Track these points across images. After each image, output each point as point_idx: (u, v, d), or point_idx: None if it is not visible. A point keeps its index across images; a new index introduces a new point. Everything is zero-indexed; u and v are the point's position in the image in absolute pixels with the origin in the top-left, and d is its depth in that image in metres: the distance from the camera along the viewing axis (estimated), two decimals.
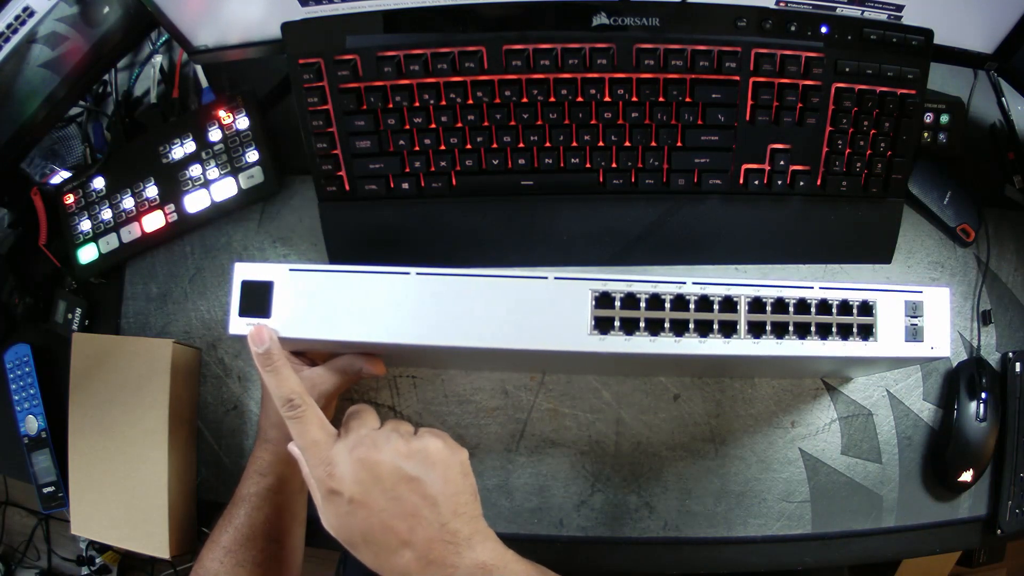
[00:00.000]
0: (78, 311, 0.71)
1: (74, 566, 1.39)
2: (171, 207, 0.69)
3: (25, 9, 0.60)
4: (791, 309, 0.46)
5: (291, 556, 0.62)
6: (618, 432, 0.66)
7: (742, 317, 0.46)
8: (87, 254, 0.70)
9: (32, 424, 0.70)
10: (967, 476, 0.63)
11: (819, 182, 0.63)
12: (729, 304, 0.46)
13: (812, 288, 0.46)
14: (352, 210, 0.66)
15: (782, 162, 0.63)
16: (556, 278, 0.46)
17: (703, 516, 0.65)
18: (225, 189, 0.69)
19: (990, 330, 0.67)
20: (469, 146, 0.63)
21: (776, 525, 0.65)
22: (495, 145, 0.63)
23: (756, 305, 0.46)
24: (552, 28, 0.59)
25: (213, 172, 0.69)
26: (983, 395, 0.63)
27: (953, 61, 0.61)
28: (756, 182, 0.63)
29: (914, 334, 0.46)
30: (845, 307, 0.46)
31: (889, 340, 0.46)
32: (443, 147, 0.63)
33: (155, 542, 0.64)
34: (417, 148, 0.63)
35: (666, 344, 0.46)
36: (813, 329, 0.46)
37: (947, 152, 0.68)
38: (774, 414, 0.66)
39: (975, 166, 0.70)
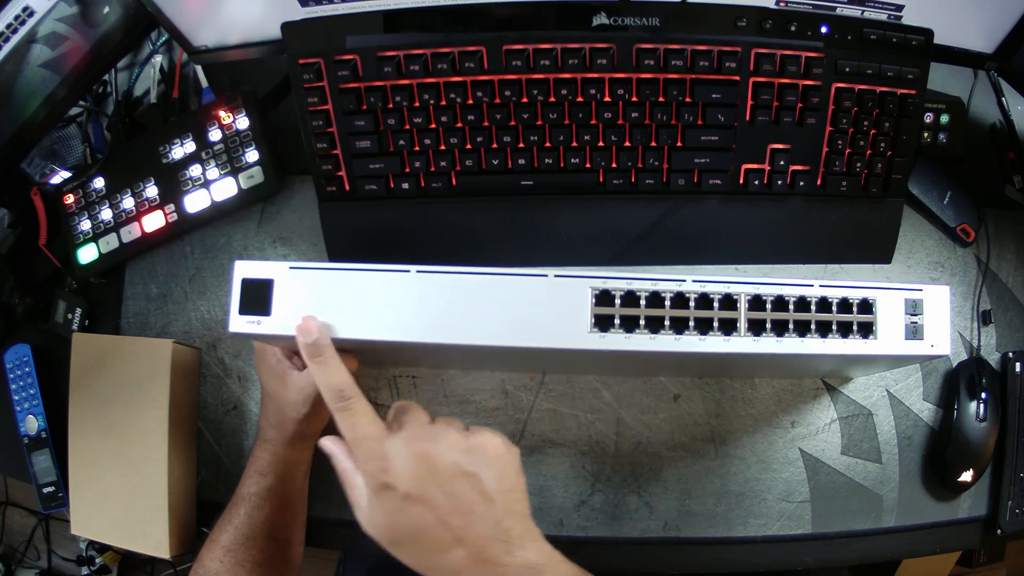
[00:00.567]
0: (78, 311, 0.71)
1: (74, 566, 1.39)
2: (171, 207, 0.69)
3: (25, 9, 0.60)
4: (791, 307, 0.46)
5: (291, 556, 0.62)
6: (618, 432, 0.66)
7: (742, 315, 0.46)
8: (87, 254, 0.70)
9: (32, 424, 0.70)
10: (967, 476, 0.63)
11: (819, 182, 0.64)
12: (729, 302, 0.46)
13: (812, 286, 0.46)
14: (352, 210, 0.66)
15: (782, 162, 0.63)
16: (556, 276, 0.46)
17: (703, 516, 0.65)
18: (225, 189, 0.69)
19: (990, 330, 0.67)
20: (469, 146, 0.63)
21: (776, 525, 0.65)
22: (495, 145, 0.63)
23: (756, 303, 0.46)
24: (552, 28, 0.59)
25: (213, 172, 0.69)
26: (983, 395, 0.63)
27: (953, 61, 0.61)
28: (756, 182, 0.63)
29: (914, 332, 0.46)
30: (845, 305, 0.46)
31: (889, 338, 0.46)
32: (443, 147, 0.63)
33: (155, 542, 0.64)
34: (417, 148, 0.63)
35: (666, 342, 0.45)
36: (813, 327, 0.46)
37: (947, 152, 0.68)
38: (774, 414, 0.66)
39: (975, 166, 0.70)
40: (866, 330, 0.46)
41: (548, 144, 0.62)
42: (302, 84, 0.62)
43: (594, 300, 0.45)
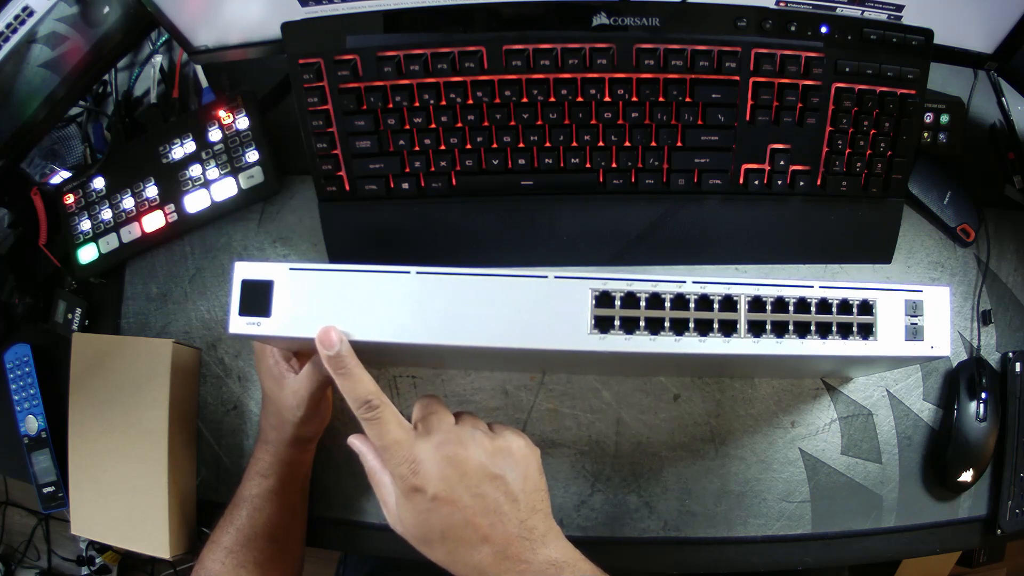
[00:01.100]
0: (78, 311, 0.71)
1: (74, 566, 1.39)
2: (171, 207, 0.69)
3: (25, 9, 0.60)
4: (791, 308, 0.46)
5: (292, 556, 0.62)
6: (618, 432, 0.66)
7: (742, 316, 0.46)
8: (87, 254, 0.70)
9: (32, 424, 0.70)
10: (967, 476, 0.63)
11: (819, 182, 0.64)
12: (729, 303, 0.46)
13: (812, 287, 0.46)
14: (352, 210, 0.66)
15: (782, 162, 0.63)
16: (556, 277, 0.46)
17: (703, 516, 0.65)
18: (225, 189, 0.69)
19: (990, 330, 0.67)
20: (469, 146, 0.63)
21: (776, 525, 0.65)
22: (495, 145, 0.63)
23: (756, 304, 0.46)
24: (552, 28, 0.59)
25: (213, 172, 0.69)
26: (983, 395, 0.63)
27: (953, 61, 0.61)
28: (756, 182, 0.63)
29: (914, 333, 0.46)
30: (845, 306, 0.46)
31: (889, 339, 0.46)
32: (443, 147, 0.63)
33: (155, 542, 0.64)
34: (417, 148, 0.63)
35: (666, 343, 0.46)
36: (813, 328, 0.46)
37: (947, 152, 0.68)
38: (774, 414, 0.66)
39: (975, 166, 0.70)
40: (866, 331, 0.46)
41: (548, 144, 0.62)
42: (302, 84, 0.62)
43: (594, 301, 0.45)
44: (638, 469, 0.65)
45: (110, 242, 0.70)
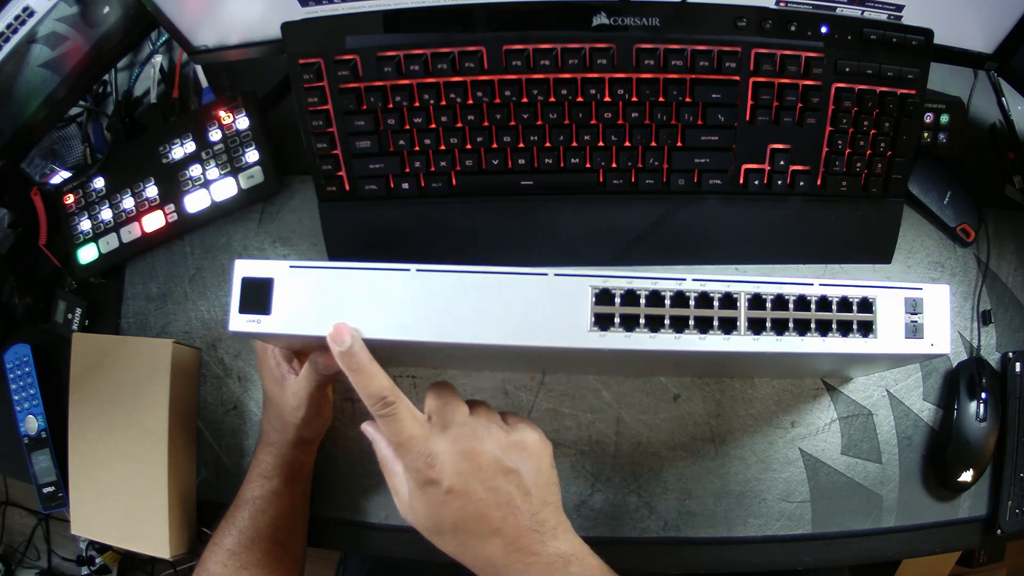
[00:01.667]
0: (78, 311, 0.71)
1: (74, 566, 1.39)
2: (171, 207, 0.69)
3: (25, 9, 0.60)
4: (791, 306, 0.46)
5: (294, 557, 0.62)
6: (618, 432, 0.66)
7: (742, 314, 0.46)
8: (87, 254, 0.70)
9: (32, 424, 0.70)
10: (967, 476, 0.63)
11: (819, 182, 0.64)
12: (729, 301, 0.46)
13: (812, 285, 0.46)
14: (352, 210, 0.66)
15: (782, 162, 0.63)
16: (556, 275, 0.46)
17: (703, 516, 0.65)
18: (225, 189, 0.69)
19: (990, 330, 0.67)
20: (469, 146, 0.63)
21: (776, 525, 0.65)
22: (495, 145, 0.63)
23: (756, 302, 0.46)
24: (552, 28, 0.59)
25: (213, 172, 0.69)
26: (983, 395, 0.63)
27: (953, 61, 0.61)
28: (756, 182, 0.63)
29: (914, 331, 0.46)
30: (845, 304, 0.46)
31: (889, 337, 0.46)
32: (443, 147, 0.63)
33: (155, 542, 0.64)
34: (417, 148, 0.63)
35: (666, 340, 0.46)
36: (813, 326, 0.46)
37: (947, 152, 0.68)
38: (774, 414, 0.66)
39: (975, 166, 0.70)
40: (866, 329, 0.46)
41: (548, 144, 0.62)
42: (302, 84, 0.62)
43: (594, 299, 0.45)
44: (638, 469, 0.65)
45: (110, 242, 0.70)
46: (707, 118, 0.61)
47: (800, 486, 0.65)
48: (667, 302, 0.46)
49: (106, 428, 0.65)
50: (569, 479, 0.66)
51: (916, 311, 0.46)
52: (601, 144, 0.62)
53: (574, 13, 0.59)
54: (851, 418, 0.66)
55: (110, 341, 0.68)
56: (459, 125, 0.62)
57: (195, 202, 0.69)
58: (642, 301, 0.45)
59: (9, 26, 0.60)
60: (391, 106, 0.62)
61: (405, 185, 0.64)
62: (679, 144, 0.62)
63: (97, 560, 1.37)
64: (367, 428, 0.48)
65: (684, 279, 0.46)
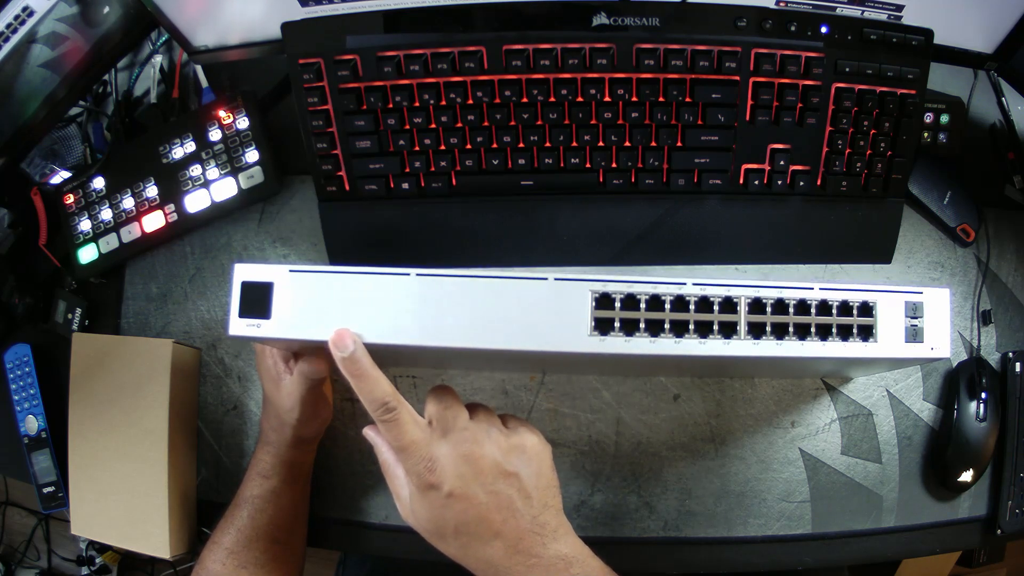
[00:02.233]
0: (78, 311, 0.71)
1: (74, 566, 1.39)
2: (171, 207, 0.69)
3: (25, 9, 0.60)
4: (791, 310, 0.46)
5: (294, 556, 0.62)
6: (618, 432, 0.66)
7: (742, 318, 0.46)
8: (87, 254, 0.70)
9: (32, 424, 0.70)
10: (967, 476, 0.63)
11: (819, 182, 0.64)
12: (729, 305, 0.46)
13: (812, 289, 0.46)
14: (352, 210, 0.66)
15: (782, 162, 0.63)
16: (556, 279, 0.46)
17: (703, 516, 0.65)
18: (225, 189, 0.69)
19: (990, 330, 0.67)
20: (469, 146, 0.63)
21: (776, 525, 0.65)
22: (495, 145, 0.63)
23: (756, 306, 0.46)
24: (552, 28, 0.59)
25: (213, 172, 0.69)
26: (983, 395, 0.63)
27: (953, 61, 0.61)
28: (756, 182, 0.63)
29: (914, 335, 0.46)
30: (845, 308, 0.46)
31: (889, 341, 0.46)
32: (443, 147, 0.63)
33: (155, 542, 0.64)
34: (417, 148, 0.63)
35: (666, 345, 0.46)
36: (813, 330, 0.46)
37: (947, 152, 0.68)
38: (774, 414, 0.66)
39: (975, 166, 0.70)
40: (866, 333, 0.46)
41: (548, 144, 0.62)
42: (302, 84, 0.62)
43: (594, 303, 0.45)
44: (638, 469, 0.65)
45: (110, 242, 0.70)
46: (707, 118, 0.61)
47: (800, 486, 0.65)
48: (667, 306, 0.46)
49: (106, 428, 0.65)
50: (569, 479, 0.66)
51: (916, 315, 0.46)
52: (601, 144, 0.62)
53: (574, 13, 0.59)
54: (851, 418, 0.66)
55: (110, 341, 0.68)
56: (459, 125, 0.62)
57: (195, 202, 0.69)
58: (642, 305, 0.45)
59: (9, 26, 0.60)
60: (391, 106, 0.62)
61: (405, 185, 0.64)
62: (679, 144, 0.62)
63: (97, 560, 1.37)
64: (368, 432, 0.48)
65: (684, 283, 0.46)
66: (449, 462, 0.44)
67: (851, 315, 0.46)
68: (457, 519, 0.45)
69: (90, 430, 0.66)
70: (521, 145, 0.63)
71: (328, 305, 0.46)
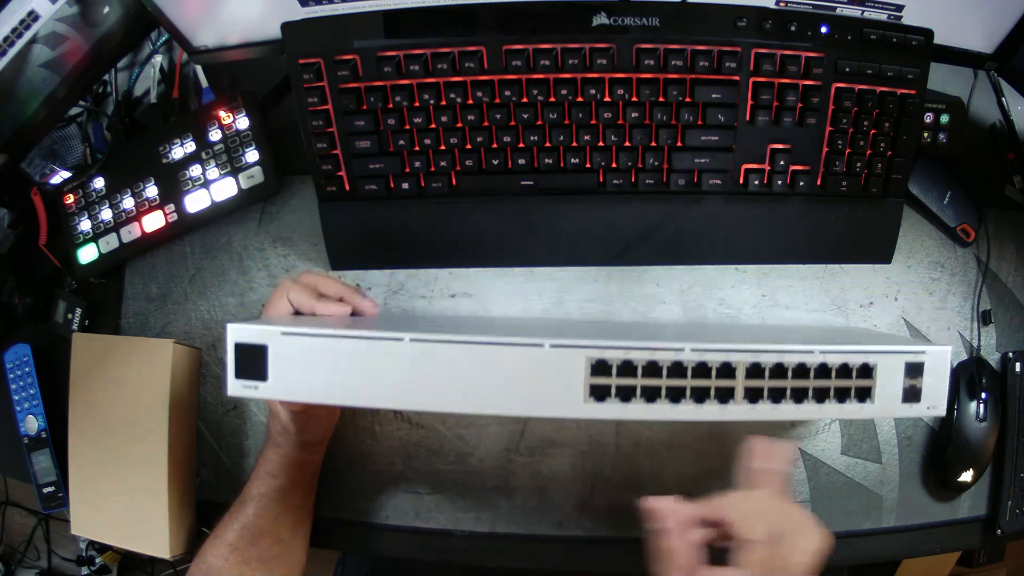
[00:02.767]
0: (78, 311, 0.71)
1: (74, 566, 1.39)
2: (171, 207, 0.69)
3: (30, 14, 0.60)
4: (789, 374, 0.45)
5: (296, 556, 0.62)
6: (618, 432, 0.66)
7: (739, 383, 0.45)
8: (87, 254, 0.70)
9: (32, 424, 0.70)
10: (967, 476, 0.63)
11: (819, 182, 0.63)
12: (727, 370, 0.45)
13: (813, 352, 0.45)
14: (352, 210, 0.66)
15: (782, 162, 0.63)
16: (551, 345, 0.45)
17: None
18: (225, 189, 0.69)
19: (990, 330, 0.67)
20: (469, 146, 0.63)
21: None
22: (495, 145, 0.63)
23: (754, 371, 0.45)
24: (552, 28, 0.59)
25: (213, 172, 0.69)
26: (983, 395, 0.63)
27: (953, 61, 0.61)
28: (756, 182, 0.63)
29: (912, 395, 0.46)
30: (844, 370, 0.46)
31: (886, 402, 0.46)
32: (443, 147, 0.63)
33: (155, 542, 0.64)
34: (417, 148, 0.63)
35: (662, 411, 0.45)
36: (810, 394, 0.46)
37: (947, 152, 0.68)
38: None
39: (975, 166, 0.70)
40: (863, 395, 0.46)
41: (548, 144, 0.62)
42: (302, 84, 0.62)
43: (590, 370, 0.45)
44: (638, 469, 0.65)
45: (110, 242, 0.70)
46: (707, 118, 0.61)
47: (800, 486, 0.65)
48: (664, 373, 0.45)
49: (106, 428, 0.65)
50: (569, 479, 0.66)
51: (916, 375, 0.46)
52: (601, 144, 0.62)
53: (574, 13, 0.59)
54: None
55: (110, 341, 0.68)
56: (459, 125, 0.62)
57: (195, 202, 0.69)
58: (639, 372, 0.45)
59: (14, 30, 0.60)
60: (391, 106, 0.62)
61: (405, 185, 0.64)
62: (679, 144, 0.62)
63: (97, 560, 1.37)
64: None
65: (683, 348, 0.45)
66: None
67: (850, 377, 0.46)
68: None
69: (90, 430, 0.66)
70: (521, 145, 0.63)
71: (322, 368, 0.45)
